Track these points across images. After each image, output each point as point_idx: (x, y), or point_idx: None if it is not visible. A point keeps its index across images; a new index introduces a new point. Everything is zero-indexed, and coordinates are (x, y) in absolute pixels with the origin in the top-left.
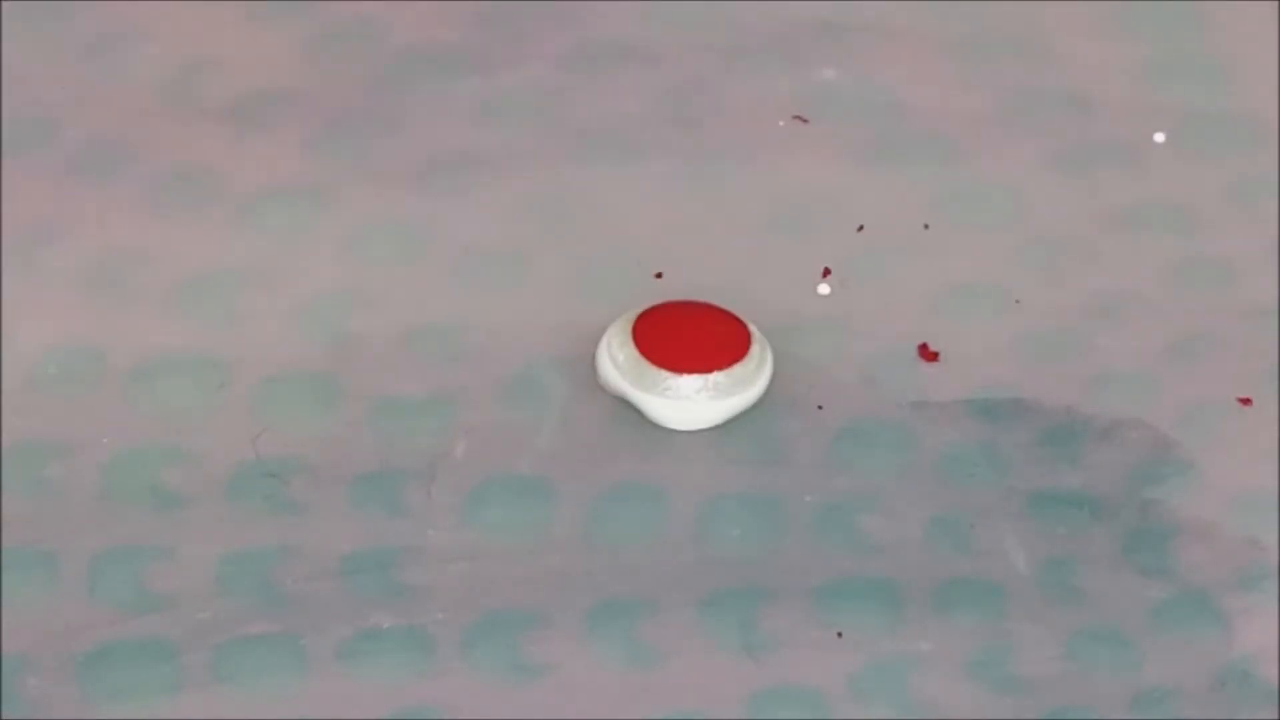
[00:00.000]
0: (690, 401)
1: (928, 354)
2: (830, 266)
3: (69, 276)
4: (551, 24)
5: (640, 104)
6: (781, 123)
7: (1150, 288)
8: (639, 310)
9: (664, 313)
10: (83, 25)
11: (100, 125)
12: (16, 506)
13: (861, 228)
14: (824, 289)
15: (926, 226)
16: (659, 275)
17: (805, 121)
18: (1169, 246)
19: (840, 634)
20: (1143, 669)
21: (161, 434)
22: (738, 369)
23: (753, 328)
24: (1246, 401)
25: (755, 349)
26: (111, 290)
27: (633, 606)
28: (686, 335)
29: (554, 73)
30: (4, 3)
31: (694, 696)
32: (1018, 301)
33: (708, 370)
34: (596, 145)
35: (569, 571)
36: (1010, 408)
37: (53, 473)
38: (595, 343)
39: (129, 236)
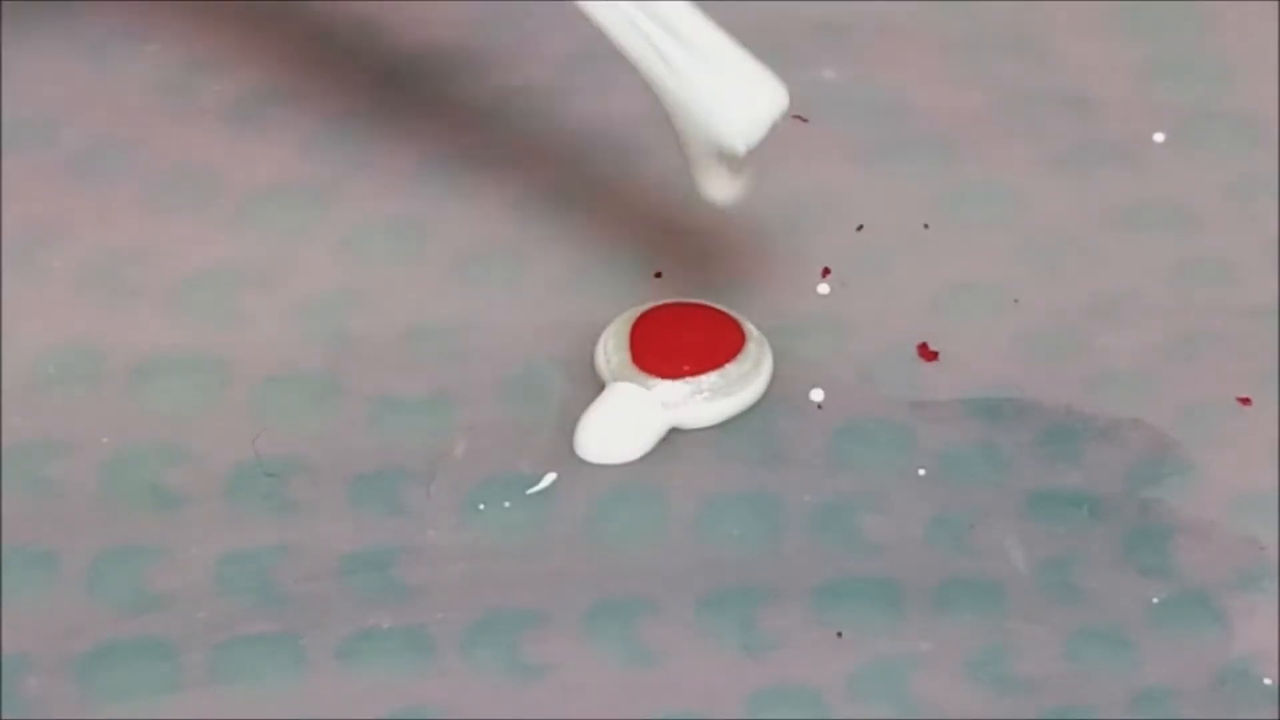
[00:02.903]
0: (682, 406)
1: (927, 353)
2: (830, 266)
3: (69, 276)
4: (551, 24)
5: (640, 104)
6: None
7: (1150, 288)
8: (637, 311)
9: (659, 315)
10: (83, 25)
11: (100, 125)
12: (16, 506)
13: (861, 228)
14: (823, 289)
15: (926, 226)
16: (659, 275)
17: (805, 121)
18: (1169, 246)
19: (840, 634)
20: (1143, 669)
21: (161, 434)
22: (731, 369)
23: (751, 328)
24: (1246, 401)
25: (751, 348)
26: (111, 290)
27: (633, 606)
28: (680, 337)
29: (554, 73)
30: (4, 3)
31: (694, 696)
32: (1017, 301)
33: (698, 373)
34: (596, 145)
35: (569, 571)
36: (1010, 407)
37: (53, 473)
38: (595, 342)
39: (129, 236)
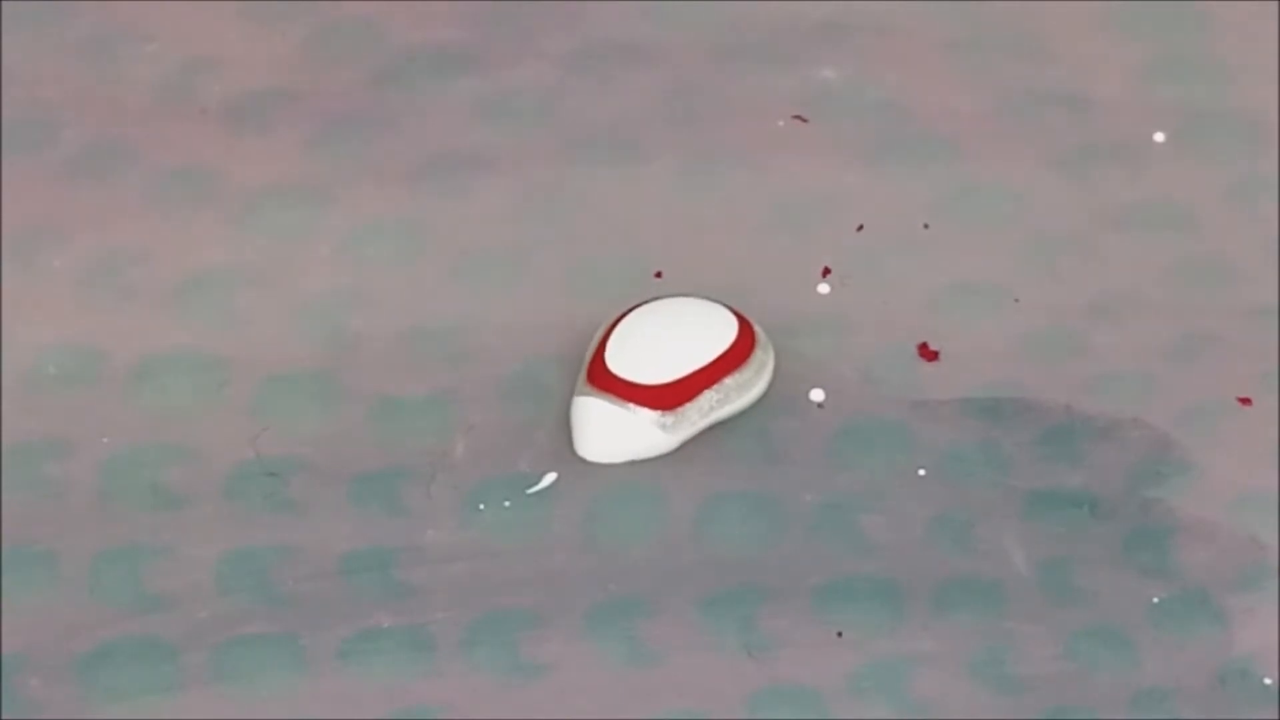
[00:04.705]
0: (680, 427)
1: (928, 353)
2: (830, 266)
3: (69, 276)
4: (551, 24)
5: (640, 104)
6: (781, 123)
7: (1150, 288)
8: (626, 310)
9: (642, 322)
10: (83, 25)
11: (100, 125)
12: (16, 506)
13: (861, 227)
14: (824, 288)
15: (926, 226)
16: (659, 275)
17: (805, 121)
18: (1169, 246)
19: (840, 634)
20: (1143, 669)
21: (161, 434)
22: (729, 381)
23: (760, 332)
24: (1246, 401)
25: (758, 355)
26: (111, 290)
27: (633, 606)
28: (669, 350)
29: (554, 73)
30: (4, 3)
31: (694, 696)
32: (1017, 300)
33: (693, 395)
34: (596, 145)
35: (569, 571)
36: (1010, 407)
37: (53, 473)
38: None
39: (129, 236)
